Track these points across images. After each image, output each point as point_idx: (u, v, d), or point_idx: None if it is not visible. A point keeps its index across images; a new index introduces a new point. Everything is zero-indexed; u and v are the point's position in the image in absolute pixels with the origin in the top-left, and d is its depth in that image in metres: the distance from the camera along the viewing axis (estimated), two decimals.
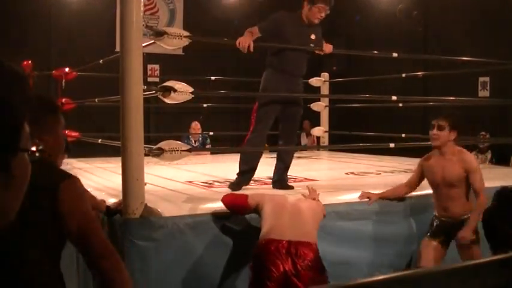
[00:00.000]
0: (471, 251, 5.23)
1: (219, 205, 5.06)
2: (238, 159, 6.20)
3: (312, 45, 6.38)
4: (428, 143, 8.46)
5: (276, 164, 6.35)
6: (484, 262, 1.24)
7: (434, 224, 5.56)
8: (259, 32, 6.05)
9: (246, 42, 5.83)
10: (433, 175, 5.57)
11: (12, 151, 1.18)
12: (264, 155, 6.44)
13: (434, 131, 5.54)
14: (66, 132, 8.68)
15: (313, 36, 6.35)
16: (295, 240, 4.41)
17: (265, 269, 4.37)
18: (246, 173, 6.08)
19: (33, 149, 1.24)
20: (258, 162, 6.18)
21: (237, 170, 6.14)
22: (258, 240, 4.52)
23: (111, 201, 5.04)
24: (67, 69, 9.01)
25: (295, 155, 7.15)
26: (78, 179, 2.46)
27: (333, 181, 6.78)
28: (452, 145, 5.59)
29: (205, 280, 4.85)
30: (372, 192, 5.70)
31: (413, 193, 5.91)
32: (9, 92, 1.17)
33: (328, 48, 6.43)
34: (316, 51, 6.54)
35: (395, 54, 7.18)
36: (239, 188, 5.87)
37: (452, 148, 5.57)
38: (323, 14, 6.24)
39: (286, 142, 6.43)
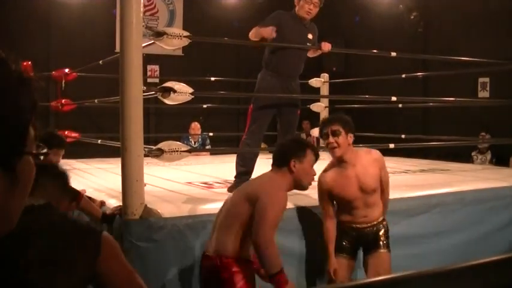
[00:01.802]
0: (384, 256, 4.89)
1: (218, 206, 5.06)
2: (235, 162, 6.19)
3: (308, 44, 6.38)
4: (429, 143, 8.45)
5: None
6: (488, 262, 1.24)
7: (340, 235, 4.95)
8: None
9: (267, 31, 5.84)
10: (346, 189, 4.87)
11: (18, 154, 1.18)
12: (263, 156, 6.43)
13: (330, 139, 4.83)
14: (66, 132, 8.69)
15: (310, 36, 6.36)
16: (206, 254, 4.28)
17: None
18: (243, 175, 6.05)
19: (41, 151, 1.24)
20: (254, 164, 6.14)
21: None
22: None
23: (110, 202, 5.04)
24: (67, 70, 9.01)
25: None
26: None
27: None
28: (354, 149, 4.96)
29: None
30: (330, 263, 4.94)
31: None
32: (16, 95, 1.18)
33: (326, 46, 6.39)
34: (314, 50, 6.51)
35: (394, 54, 7.18)
36: None
37: (356, 152, 4.97)
38: (311, 6, 6.19)
39: None
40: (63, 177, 3.00)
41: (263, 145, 11.78)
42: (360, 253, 5.06)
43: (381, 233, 4.94)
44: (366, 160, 4.92)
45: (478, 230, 6.28)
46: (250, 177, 6.09)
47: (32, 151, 1.22)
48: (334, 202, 5.00)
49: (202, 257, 4.30)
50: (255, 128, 6.16)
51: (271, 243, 3.95)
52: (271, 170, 4.40)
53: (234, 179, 6.05)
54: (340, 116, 5.03)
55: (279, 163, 4.35)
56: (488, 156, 11.64)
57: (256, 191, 4.15)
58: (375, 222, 4.94)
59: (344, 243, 4.97)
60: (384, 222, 5.00)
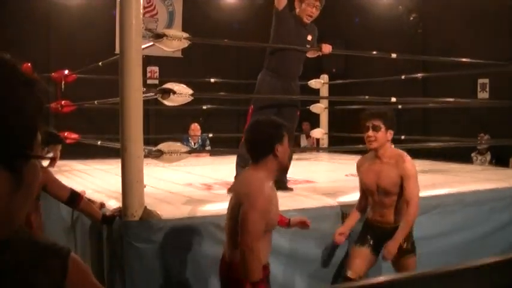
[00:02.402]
0: (406, 261, 4.96)
1: (218, 207, 5.06)
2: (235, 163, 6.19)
3: (308, 46, 6.39)
4: (429, 144, 8.46)
5: None
6: (488, 262, 1.24)
7: (366, 229, 5.14)
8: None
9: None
10: (367, 180, 5.08)
11: (25, 157, 1.18)
12: None
13: (370, 133, 4.93)
14: (66, 134, 8.69)
15: (309, 38, 6.37)
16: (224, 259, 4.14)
17: None
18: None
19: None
20: None
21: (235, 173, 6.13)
22: None
23: (110, 203, 5.04)
24: (66, 72, 9.01)
25: (295, 156, 7.15)
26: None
27: (333, 183, 6.77)
28: (391, 147, 5.10)
29: (204, 283, 4.84)
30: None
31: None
32: (24, 99, 1.18)
33: (326, 48, 6.40)
34: (314, 51, 6.52)
35: (394, 55, 7.18)
36: None
37: (391, 150, 5.07)
38: (314, 10, 6.22)
39: None
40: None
41: None
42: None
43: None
44: (394, 162, 4.97)
45: (478, 230, 6.28)
46: None
47: (39, 154, 1.22)
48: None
49: (220, 260, 4.20)
50: None
51: (251, 252, 3.74)
52: (252, 165, 4.00)
53: (234, 180, 6.05)
54: (384, 112, 5.12)
55: (263, 154, 3.95)
56: (488, 157, 11.65)
57: (240, 197, 3.89)
58: (393, 226, 4.97)
59: (368, 237, 5.09)
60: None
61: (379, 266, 5.23)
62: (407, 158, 5.00)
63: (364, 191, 5.19)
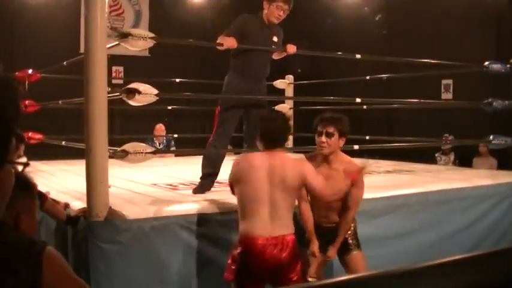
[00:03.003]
0: (354, 257, 4.98)
1: (184, 207, 5.06)
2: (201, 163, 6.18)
3: (273, 47, 6.40)
4: (394, 144, 8.52)
5: None
6: (451, 261, 1.25)
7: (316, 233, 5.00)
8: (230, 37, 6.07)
9: (229, 41, 5.92)
10: None
11: (1, 163, 1.17)
12: (230, 158, 6.42)
13: (323, 139, 4.92)
14: (30, 134, 8.61)
15: (275, 39, 6.38)
16: (275, 236, 4.37)
17: (250, 266, 4.40)
18: (208, 176, 6.04)
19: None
20: (220, 166, 6.13)
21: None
22: (238, 236, 4.53)
23: (75, 204, 5.00)
24: (30, 71, 8.92)
25: None
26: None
27: None
28: (341, 153, 5.09)
29: (169, 283, 4.84)
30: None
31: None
32: (5, 108, 1.16)
33: (291, 48, 6.41)
34: (279, 53, 6.54)
35: (358, 56, 7.22)
36: (202, 192, 5.83)
37: (341, 157, 5.06)
38: (281, 13, 6.24)
39: (251, 144, 6.43)
40: (33, 186, 2.95)
41: (229, 147, 11.80)
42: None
43: (347, 235, 5.00)
44: (343, 168, 4.95)
45: (441, 230, 6.35)
46: (216, 178, 6.09)
47: (13, 160, 1.21)
48: None
49: (268, 241, 4.36)
50: (222, 129, 6.16)
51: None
52: (280, 150, 4.69)
53: (199, 180, 6.04)
54: (340, 119, 5.06)
55: (284, 142, 4.83)
56: (452, 157, 11.77)
57: (303, 174, 4.53)
58: (337, 225, 4.99)
59: (320, 241, 4.97)
60: (351, 226, 5.04)
61: (330, 264, 5.24)
62: (355, 164, 5.04)
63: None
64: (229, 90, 6.27)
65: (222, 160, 6.20)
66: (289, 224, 4.47)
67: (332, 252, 4.95)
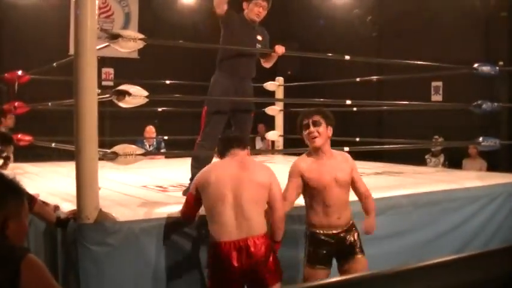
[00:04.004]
0: (363, 262, 4.88)
1: (174, 209, 5.05)
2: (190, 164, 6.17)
3: (258, 45, 6.41)
4: (383, 146, 8.53)
5: None
6: (440, 262, 1.25)
7: (318, 244, 4.84)
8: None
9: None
10: (323, 176, 4.83)
11: None
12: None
13: (312, 129, 4.83)
14: (19, 136, 8.58)
15: (259, 37, 6.40)
16: (243, 238, 4.40)
17: (222, 270, 4.42)
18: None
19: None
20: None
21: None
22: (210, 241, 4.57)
23: (64, 206, 4.99)
24: (20, 73, 8.89)
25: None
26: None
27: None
28: (329, 145, 5.00)
29: (160, 285, 4.83)
30: None
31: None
32: None
33: (280, 49, 6.42)
34: (269, 59, 6.55)
35: (347, 57, 7.23)
36: None
37: (331, 149, 5.01)
38: (261, 9, 6.26)
39: None
40: (23, 193, 2.92)
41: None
42: (334, 260, 4.98)
43: (356, 236, 4.93)
44: (339, 157, 5.02)
45: (431, 231, 6.37)
46: None
47: None
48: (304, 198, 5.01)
49: (236, 244, 4.40)
50: (209, 130, 6.15)
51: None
52: (245, 151, 4.88)
53: (189, 181, 6.03)
54: (322, 109, 5.08)
55: (244, 147, 4.91)
56: (441, 159, 11.80)
57: (268, 180, 4.66)
58: (349, 226, 4.93)
59: (323, 253, 4.85)
60: (355, 226, 5.00)
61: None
62: (344, 152, 5.22)
63: (297, 193, 4.97)
64: (215, 89, 6.27)
65: (211, 160, 6.19)
66: (261, 226, 4.53)
67: (370, 228, 5.09)
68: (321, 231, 4.84)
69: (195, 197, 4.64)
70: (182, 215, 4.80)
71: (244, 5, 6.32)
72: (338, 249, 4.87)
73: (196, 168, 6.06)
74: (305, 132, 4.90)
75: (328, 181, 4.83)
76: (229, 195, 4.48)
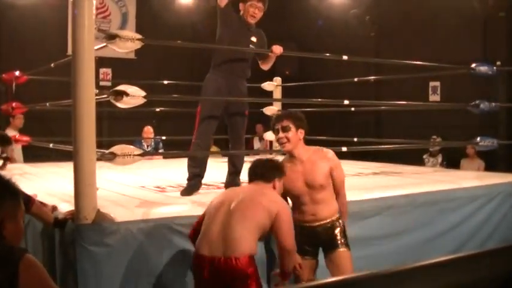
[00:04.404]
0: (345, 255, 4.94)
1: (172, 210, 5.05)
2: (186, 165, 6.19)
3: (252, 47, 6.43)
4: (381, 146, 8.54)
5: (228, 168, 6.36)
6: (438, 262, 1.25)
7: (300, 237, 4.84)
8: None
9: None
10: (294, 183, 4.95)
11: None
12: (217, 160, 6.45)
13: (280, 134, 4.92)
14: (17, 136, 8.58)
15: (254, 39, 6.41)
16: (220, 256, 4.28)
17: (196, 281, 4.47)
18: (195, 177, 6.05)
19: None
20: (206, 166, 6.18)
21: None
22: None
23: (62, 206, 4.98)
24: (17, 73, 8.88)
25: (248, 159, 7.16)
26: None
27: None
28: (304, 146, 5.03)
29: (157, 285, 4.82)
30: None
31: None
32: None
33: (277, 49, 6.41)
34: (267, 61, 6.56)
35: (345, 57, 7.23)
36: (190, 193, 5.85)
37: (307, 148, 5.03)
38: (256, 11, 6.28)
39: (234, 145, 6.46)
40: (19, 194, 2.93)
41: (216, 148, 11.80)
42: (321, 253, 5.06)
43: (337, 231, 4.96)
44: (316, 156, 4.97)
45: (429, 231, 6.37)
46: (202, 178, 6.10)
47: None
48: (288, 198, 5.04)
49: (210, 259, 4.30)
50: (203, 128, 6.16)
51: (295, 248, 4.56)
52: (264, 184, 4.69)
53: (187, 181, 6.03)
54: (291, 112, 5.11)
55: (265, 179, 4.70)
56: (439, 158, 11.81)
57: (276, 207, 4.45)
58: (327, 221, 4.96)
59: (306, 247, 4.96)
60: (339, 221, 5.00)
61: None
62: (327, 149, 5.10)
63: (287, 196, 5.04)
64: (208, 87, 6.29)
65: (207, 159, 6.22)
66: (244, 246, 4.29)
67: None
68: (300, 224, 4.93)
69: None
70: (190, 236, 4.72)
71: (241, 6, 6.35)
72: (314, 241, 4.99)
73: (193, 167, 6.07)
74: (275, 138, 5.04)
75: (298, 187, 4.96)
76: (222, 211, 4.43)
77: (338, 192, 5.06)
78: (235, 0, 6.32)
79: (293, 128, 4.89)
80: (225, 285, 4.26)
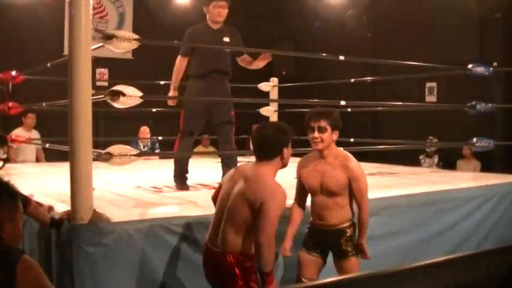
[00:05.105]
0: (350, 263, 4.91)
1: (168, 210, 5.05)
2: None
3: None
4: (378, 147, 8.54)
5: (222, 169, 6.44)
6: (435, 262, 1.25)
7: (310, 233, 5.06)
8: (184, 58, 6.55)
9: (171, 102, 6.83)
10: (311, 180, 4.97)
11: None
12: (214, 160, 6.51)
13: (316, 134, 4.85)
14: (13, 136, 8.57)
15: (226, 39, 6.53)
16: (213, 248, 4.33)
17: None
18: (180, 174, 6.43)
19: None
20: (187, 165, 6.49)
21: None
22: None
23: (58, 206, 4.98)
24: (14, 73, 8.87)
25: (245, 159, 7.18)
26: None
27: (282, 185, 6.77)
28: (335, 147, 5.01)
29: (154, 285, 4.82)
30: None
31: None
32: None
33: (260, 63, 6.55)
34: (264, 60, 6.63)
35: (342, 57, 7.23)
36: (184, 184, 6.31)
37: (336, 151, 4.98)
38: (221, 10, 6.48)
39: (223, 145, 6.58)
40: (18, 196, 2.93)
41: (212, 149, 11.80)
42: (330, 256, 5.06)
43: (342, 240, 4.93)
44: (338, 162, 4.89)
45: (425, 231, 6.38)
46: (187, 174, 6.46)
47: None
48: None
49: (208, 250, 4.37)
50: (186, 131, 6.55)
51: (271, 244, 4.12)
52: (261, 164, 4.37)
53: (173, 178, 6.25)
54: (329, 112, 5.04)
55: (272, 155, 4.36)
56: (436, 159, 11.83)
57: (258, 196, 4.17)
58: (336, 228, 4.92)
59: (314, 243, 5.01)
60: (348, 232, 4.95)
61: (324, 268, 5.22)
62: (352, 158, 4.96)
63: (303, 193, 5.12)
64: (189, 93, 6.61)
65: (188, 161, 6.58)
66: (234, 244, 4.24)
67: (364, 253, 4.98)
68: (311, 221, 5.06)
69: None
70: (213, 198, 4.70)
71: (204, 9, 6.59)
72: (323, 242, 4.99)
73: (176, 169, 6.26)
74: (309, 134, 4.93)
75: (315, 186, 4.95)
76: (219, 205, 4.44)
77: (358, 204, 4.97)
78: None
79: (329, 129, 4.86)
80: (221, 277, 4.30)
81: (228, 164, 6.36)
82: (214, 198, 4.61)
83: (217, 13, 6.45)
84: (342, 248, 4.92)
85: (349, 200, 4.97)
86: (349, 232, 4.96)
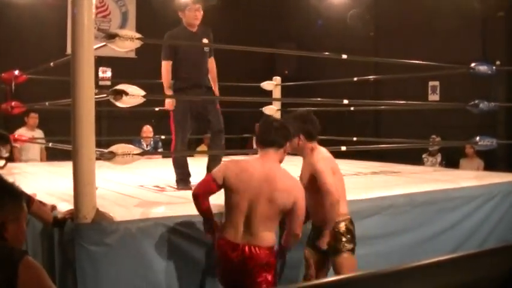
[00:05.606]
0: (341, 259, 4.99)
1: (171, 209, 5.05)
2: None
3: (206, 48, 6.71)
4: (381, 146, 8.55)
5: (207, 162, 6.57)
6: (437, 261, 1.26)
7: (311, 231, 5.26)
8: (169, 62, 6.65)
9: (169, 106, 6.66)
10: (301, 176, 5.23)
11: None
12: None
13: None
14: (16, 135, 8.58)
15: (206, 40, 6.55)
16: (243, 243, 4.46)
17: (220, 262, 4.60)
18: (184, 178, 6.45)
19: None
20: (188, 167, 6.55)
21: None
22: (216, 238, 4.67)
23: (61, 205, 4.98)
24: (17, 72, 8.88)
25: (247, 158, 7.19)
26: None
27: None
28: (310, 147, 5.17)
29: (156, 285, 4.82)
30: None
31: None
32: None
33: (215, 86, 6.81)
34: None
35: (344, 56, 7.24)
36: (187, 184, 6.30)
37: (310, 151, 5.16)
38: (197, 13, 6.58)
39: (214, 146, 6.63)
40: (22, 196, 2.93)
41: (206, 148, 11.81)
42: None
43: (332, 237, 4.99)
44: (307, 160, 5.18)
45: (427, 230, 6.37)
46: (189, 176, 6.46)
47: None
48: None
49: (230, 244, 4.49)
50: (178, 133, 6.69)
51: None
52: (273, 154, 4.65)
53: (175, 183, 6.28)
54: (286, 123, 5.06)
55: (280, 145, 4.65)
56: (439, 158, 11.81)
57: (291, 196, 4.49)
58: (322, 224, 5.03)
59: (312, 239, 5.17)
60: (336, 228, 5.01)
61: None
62: (316, 155, 5.13)
63: None
64: (177, 100, 6.68)
65: (186, 159, 6.69)
66: (265, 238, 4.50)
67: (321, 242, 5.01)
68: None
69: (216, 187, 4.61)
70: (195, 194, 4.67)
71: (180, 14, 6.68)
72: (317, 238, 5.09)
73: (177, 168, 6.27)
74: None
75: (302, 181, 5.10)
76: (245, 205, 4.49)
77: (324, 199, 5.00)
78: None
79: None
80: (246, 272, 4.43)
81: (214, 158, 6.56)
82: (203, 195, 4.64)
83: (194, 16, 6.57)
84: (331, 244, 5.00)
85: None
86: (338, 229, 5.02)
